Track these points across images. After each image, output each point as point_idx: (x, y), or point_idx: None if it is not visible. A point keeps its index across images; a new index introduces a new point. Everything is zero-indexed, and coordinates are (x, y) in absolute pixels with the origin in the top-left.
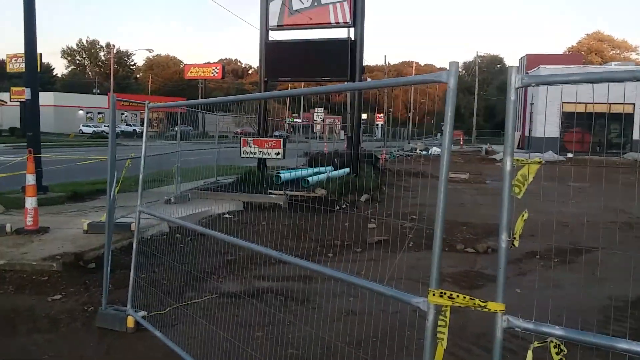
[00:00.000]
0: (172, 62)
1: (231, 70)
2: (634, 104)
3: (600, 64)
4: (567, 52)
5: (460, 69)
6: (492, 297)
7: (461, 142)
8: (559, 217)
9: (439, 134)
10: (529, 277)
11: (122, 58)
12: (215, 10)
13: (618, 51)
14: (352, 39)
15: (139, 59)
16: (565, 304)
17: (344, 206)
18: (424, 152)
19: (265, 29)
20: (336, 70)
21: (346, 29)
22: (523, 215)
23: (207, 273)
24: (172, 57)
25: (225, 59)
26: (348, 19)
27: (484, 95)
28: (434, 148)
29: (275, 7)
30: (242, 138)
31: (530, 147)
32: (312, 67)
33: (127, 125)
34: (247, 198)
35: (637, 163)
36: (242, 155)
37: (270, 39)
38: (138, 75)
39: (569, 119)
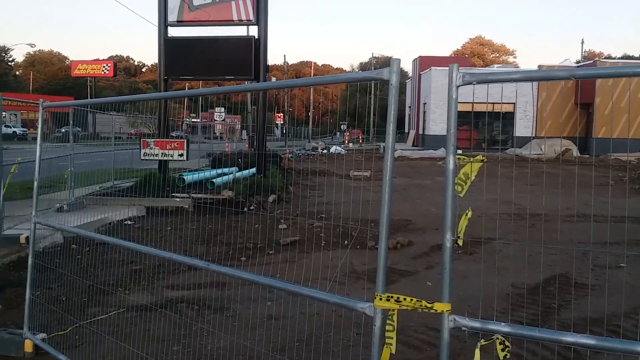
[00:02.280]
0: (57, 58)
1: (123, 67)
2: (514, 103)
3: (482, 67)
4: (453, 55)
5: (356, 69)
6: (408, 292)
7: (360, 141)
8: (458, 211)
9: (337, 133)
10: (437, 270)
11: None
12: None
13: (497, 54)
14: (256, 37)
15: (18, 55)
16: (474, 294)
17: (252, 207)
18: (325, 151)
19: (163, 24)
20: (240, 69)
21: (248, 27)
22: (467, 214)
23: (111, 285)
24: (56, 53)
25: (117, 55)
26: (251, 17)
27: (379, 95)
28: (335, 147)
29: (174, 3)
30: (142, 139)
31: (424, 145)
32: (215, 65)
33: (5, 126)
34: (150, 202)
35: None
36: (143, 158)
37: (169, 35)
38: (17, 72)
39: (459, 118)
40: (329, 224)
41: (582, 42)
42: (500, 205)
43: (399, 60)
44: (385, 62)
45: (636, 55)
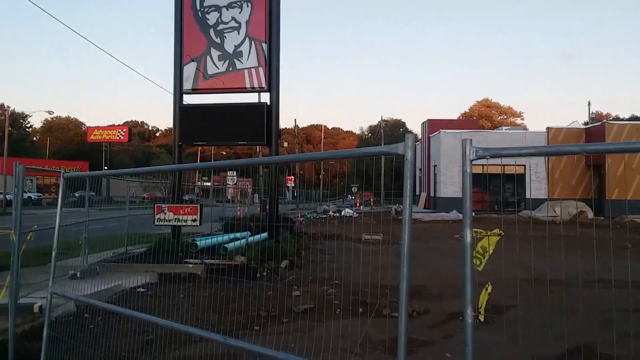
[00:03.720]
0: (74, 124)
1: (137, 132)
2: (524, 165)
3: (491, 129)
4: (461, 117)
5: (366, 133)
6: None
7: (372, 204)
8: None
9: (348, 195)
10: (456, 339)
11: (17, 120)
12: (121, 71)
13: (505, 116)
14: (268, 103)
15: (36, 121)
16: None
17: (265, 273)
18: (337, 214)
19: (179, 92)
20: (253, 135)
21: (260, 94)
22: (487, 288)
23: (123, 357)
24: (73, 119)
25: (131, 121)
26: (263, 84)
27: (390, 158)
28: (346, 209)
29: (189, 71)
30: (156, 205)
31: (436, 207)
32: (228, 131)
33: None
34: (162, 269)
35: (531, 220)
36: (157, 223)
37: (184, 102)
38: (35, 138)
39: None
40: (343, 290)
41: (589, 104)
42: (518, 271)
43: (414, 135)
44: (394, 125)
45: None
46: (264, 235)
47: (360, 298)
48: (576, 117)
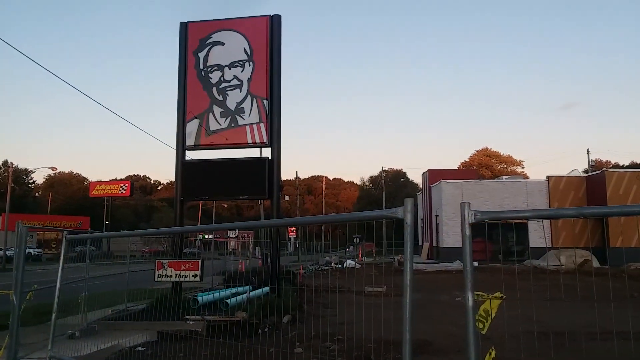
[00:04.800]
0: (76, 179)
1: (139, 186)
2: None
3: (492, 178)
4: (461, 167)
5: (367, 183)
6: None
7: (374, 254)
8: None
9: (351, 246)
10: None
11: (20, 176)
12: (123, 127)
13: (505, 165)
14: (269, 158)
15: (39, 177)
16: None
17: (266, 329)
18: (339, 266)
19: (182, 148)
20: (254, 189)
21: (262, 148)
22: (491, 353)
23: None
24: (75, 174)
25: (134, 175)
26: (265, 139)
27: (391, 207)
28: (349, 261)
29: (192, 128)
30: (156, 260)
31: (438, 257)
32: (229, 185)
33: None
34: (162, 326)
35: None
36: (157, 279)
37: (186, 158)
38: (37, 194)
39: (473, 229)
40: (346, 347)
41: (588, 152)
42: (522, 323)
43: (413, 199)
44: (395, 176)
45: None
46: (266, 289)
47: (364, 354)
48: (576, 165)
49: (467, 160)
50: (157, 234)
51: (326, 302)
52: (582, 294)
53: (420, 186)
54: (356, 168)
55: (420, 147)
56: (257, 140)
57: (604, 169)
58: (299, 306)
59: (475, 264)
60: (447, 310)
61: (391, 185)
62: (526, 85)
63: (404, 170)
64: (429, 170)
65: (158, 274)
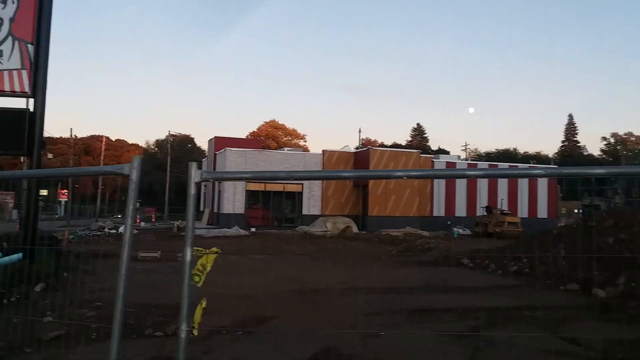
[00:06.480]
0: None
1: None
2: (302, 184)
3: (276, 149)
4: (250, 137)
5: (152, 146)
6: None
7: (153, 220)
8: (245, 290)
9: None
10: (216, 354)
11: None
12: None
13: (290, 138)
14: (31, 110)
15: None
16: None
17: (12, 299)
18: (114, 231)
19: None
20: (11, 143)
21: (28, 100)
22: (202, 304)
23: None
24: None
25: None
26: (27, 89)
27: (176, 173)
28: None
29: None
30: None
31: (218, 223)
32: None
33: None
34: None
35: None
36: None
37: None
38: None
39: (252, 197)
40: (104, 313)
41: (360, 131)
42: (285, 282)
43: (140, 157)
44: (182, 141)
45: (403, 143)
46: (19, 256)
47: (125, 320)
48: (350, 142)
49: (255, 130)
50: None
51: (92, 269)
52: (343, 255)
53: (207, 153)
54: (142, 130)
55: (212, 115)
56: (18, 89)
57: (369, 147)
58: (55, 273)
59: (253, 229)
60: (215, 274)
61: (177, 150)
62: (313, 65)
63: (192, 136)
64: (215, 137)
65: None
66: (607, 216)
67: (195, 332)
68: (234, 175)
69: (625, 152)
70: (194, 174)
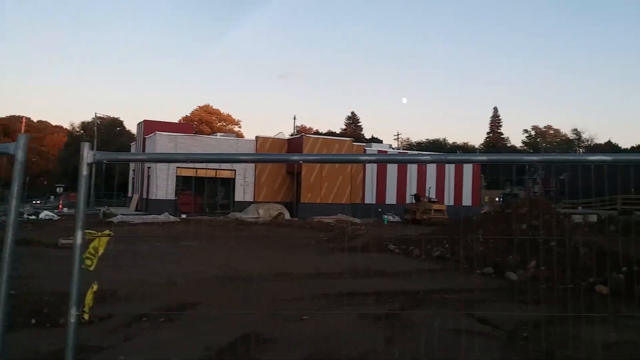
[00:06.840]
0: None
1: None
2: (234, 170)
3: (209, 133)
4: (182, 121)
5: (77, 128)
6: None
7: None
8: (170, 277)
9: (52, 197)
10: (136, 341)
11: None
12: None
13: (224, 123)
14: None
15: None
16: None
17: None
18: (33, 217)
19: None
20: None
21: None
22: (93, 288)
23: None
24: None
25: None
26: None
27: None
28: (45, 212)
29: None
30: None
31: (147, 209)
32: None
33: None
34: None
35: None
36: None
37: None
38: None
39: (184, 183)
40: (19, 302)
41: (295, 118)
42: (213, 269)
43: (26, 135)
44: (110, 124)
45: (337, 131)
46: None
47: (35, 308)
48: (285, 129)
49: (189, 115)
50: None
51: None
52: (273, 242)
53: (136, 137)
54: (66, 112)
55: (142, 98)
56: None
57: (303, 134)
58: None
59: (184, 215)
60: (142, 261)
61: (104, 134)
62: (250, 51)
63: (121, 119)
64: (144, 120)
65: None
66: (522, 204)
67: (87, 317)
68: (128, 157)
69: (544, 145)
70: (87, 155)
